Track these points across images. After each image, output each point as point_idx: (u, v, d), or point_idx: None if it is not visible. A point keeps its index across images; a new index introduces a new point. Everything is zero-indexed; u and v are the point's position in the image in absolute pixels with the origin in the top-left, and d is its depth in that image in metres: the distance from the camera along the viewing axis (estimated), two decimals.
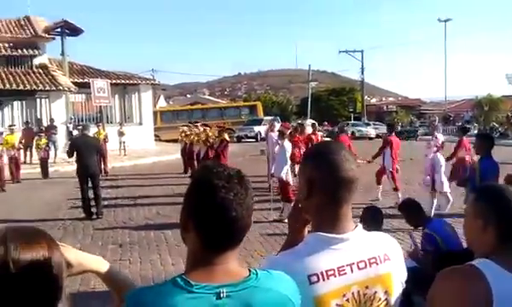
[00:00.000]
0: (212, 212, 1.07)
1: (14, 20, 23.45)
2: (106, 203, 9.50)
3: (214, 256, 1.10)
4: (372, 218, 4.05)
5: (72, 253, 1.16)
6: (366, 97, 48.45)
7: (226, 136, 11.03)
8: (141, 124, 24.20)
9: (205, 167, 1.16)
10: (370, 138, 31.45)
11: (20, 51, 21.22)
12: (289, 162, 8.71)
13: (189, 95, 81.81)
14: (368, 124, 37.19)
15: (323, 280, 1.23)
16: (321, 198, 1.30)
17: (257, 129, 31.88)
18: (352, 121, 39.03)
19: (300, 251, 1.29)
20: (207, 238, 1.09)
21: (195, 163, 13.29)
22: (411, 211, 4.49)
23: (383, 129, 27.80)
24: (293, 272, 1.19)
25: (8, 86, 19.05)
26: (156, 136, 26.59)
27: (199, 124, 14.18)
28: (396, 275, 1.34)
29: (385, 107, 58.13)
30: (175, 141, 23.28)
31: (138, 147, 21.87)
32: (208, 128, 12.78)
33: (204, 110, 37.29)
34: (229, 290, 1.06)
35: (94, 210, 8.79)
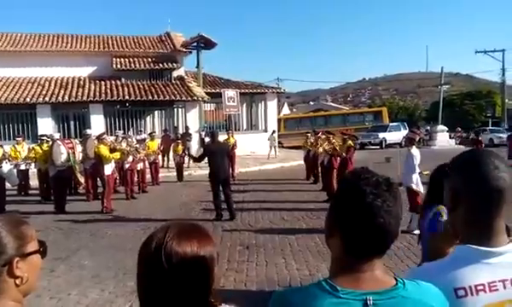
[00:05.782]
0: (358, 218, 1.06)
1: (156, 37, 25.67)
2: (233, 206, 9.93)
3: (360, 262, 1.08)
4: None
5: None
6: (507, 100, 43.53)
7: (351, 143, 10.88)
8: (265, 131, 24.78)
9: (353, 173, 1.15)
10: None
11: (161, 65, 22.97)
12: (418, 170, 8.29)
13: (311, 102, 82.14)
14: (509, 130, 33.46)
15: (472, 294, 1.15)
16: (467, 211, 1.22)
17: (381, 135, 30.75)
18: (490, 127, 35.45)
19: (447, 262, 1.23)
20: (353, 244, 1.08)
21: (320, 170, 13.31)
22: None
23: None
24: (438, 283, 1.13)
25: (150, 97, 20.70)
26: (279, 142, 27.12)
27: (320, 134, 14.09)
28: None
29: None
30: (297, 147, 23.55)
31: (263, 153, 22.64)
32: (331, 136, 12.64)
33: (326, 117, 36.86)
34: (375, 298, 1.04)
35: (223, 212, 9.24)
